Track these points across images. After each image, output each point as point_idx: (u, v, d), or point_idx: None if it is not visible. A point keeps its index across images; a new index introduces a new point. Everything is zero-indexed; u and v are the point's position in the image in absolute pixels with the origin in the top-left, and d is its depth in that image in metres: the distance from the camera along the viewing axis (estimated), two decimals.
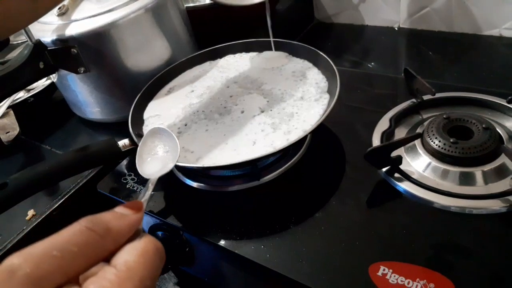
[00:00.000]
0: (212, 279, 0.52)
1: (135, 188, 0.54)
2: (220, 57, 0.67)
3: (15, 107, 0.70)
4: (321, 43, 0.86)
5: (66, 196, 0.56)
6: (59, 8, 0.61)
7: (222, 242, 0.45)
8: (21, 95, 0.74)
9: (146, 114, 0.58)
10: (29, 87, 0.75)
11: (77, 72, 0.61)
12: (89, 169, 0.54)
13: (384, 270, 0.39)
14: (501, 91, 0.55)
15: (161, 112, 0.58)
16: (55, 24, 0.60)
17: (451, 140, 0.47)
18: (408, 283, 0.37)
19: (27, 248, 0.22)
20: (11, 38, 0.56)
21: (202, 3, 0.77)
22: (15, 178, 0.46)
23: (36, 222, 0.53)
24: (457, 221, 0.42)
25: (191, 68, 0.66)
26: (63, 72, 0.63)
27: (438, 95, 0.55)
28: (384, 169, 0.48)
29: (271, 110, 0.53)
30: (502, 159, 0.46)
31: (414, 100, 0.57)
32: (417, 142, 0.50)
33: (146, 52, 0.63)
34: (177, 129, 0.54)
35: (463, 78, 0.66)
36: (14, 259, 0.21)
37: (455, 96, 0.57)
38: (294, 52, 0.63)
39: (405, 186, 0.46)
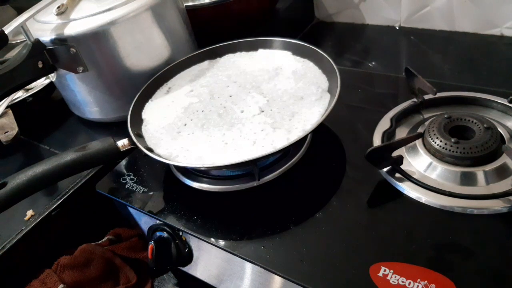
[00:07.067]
0: (211, 280, 0.52)
1: (134, 188, 0.54)
2: (220, 56, 0.66)
3: (13, 107, 0.69)
4: (321, 42, 0.86)
5: (65, 196, 0.56)
6: (58, 7, 0.60)
7: (221, 243, 0.45)
8: (19, 94, 0.74)
9: (145, 114, 0.58)
10: (27, 87, 0.75)
11: (76, 72, 0.61)
12: (88, 169, 0.54)
13: (385, 270, 0.38)
14: (503, 90, 0.55)
15: (161, 112, 0.58)
16: (54, 23, 0.60)
17: (452, 140, 0.47)
18: (409, 283, 0.37)
19: None
20: (10, 37, 0.55)
21: (201, 2, 0.76)
22: (14, 178, 0.46)
23: (35, 222, 0.53)
24: (458, 222, 0.42)
25: (190, 67, 0.66)
26: (62, 71, 0.63)
27: (439, 94, 0.54)
28: (385, 169, 0.48)
29: (271, 110, 0.53)
30: (504, 159, 0.45)
31: (415, 99, 0.56)
32: (418, 142, 0.50)
33: (145, 51, 0.63)
34: (176, 128, 0.54)
35: (464, 77, 0.66)
36: None
37: (456, 95, 0.56)
38: (294, 51, 0.62)
39: (406, 186, 0.46)
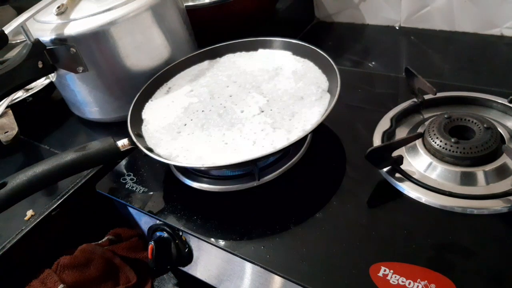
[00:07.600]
0: (211, 280, 0.52)
1: (134, 188, 0.54)
2: (220, 56, 0.66)
3: (13, 107, 0.69)
4: (321, 42, 0.86)
5: (65, 196, 0.56)
6: (58, 7, 0.60)
7: (221, 243, 0.45)
8: (19, 94, 0.74)
9: (145, 114, 0.58)
10: (27, 87, 0.75)
11: (76, 72, 0.61)
12: (88, 169, 0.54)
13: (385, 270, 0.38)
14: (503, 90, 0.55)
15: (161, 112, 0.58)
16: (54, 23, 0.60)
17: (452, 140, 0.47)
18: (409, 283, 0.37)
19: None
20: (10, 37, 0.55)
21: (201, 2, 0.76)
22: (14, 178, 0.46)
23: (35, 222, 0.53)
24: (458, 222, 0.42)
25: (190, 67, 0.66)
26: (62, 71, 0.63)
27: (439, 94, 0.54)
28: (385, 169, 0.48)
29: (271, 110, 0.53)
30: (504, 159, 0.45)
31: (415, 99, 0.56)
32: (418, 142, 0.50)
33: (145, 51, 0.63)
34: (176, 128, 0.54)
35: (464, 77, 0.66)
36: None
37: (456, 95, 0.56)
38: (294, 51, 0.62)
39: (406, 186, 0.46)
